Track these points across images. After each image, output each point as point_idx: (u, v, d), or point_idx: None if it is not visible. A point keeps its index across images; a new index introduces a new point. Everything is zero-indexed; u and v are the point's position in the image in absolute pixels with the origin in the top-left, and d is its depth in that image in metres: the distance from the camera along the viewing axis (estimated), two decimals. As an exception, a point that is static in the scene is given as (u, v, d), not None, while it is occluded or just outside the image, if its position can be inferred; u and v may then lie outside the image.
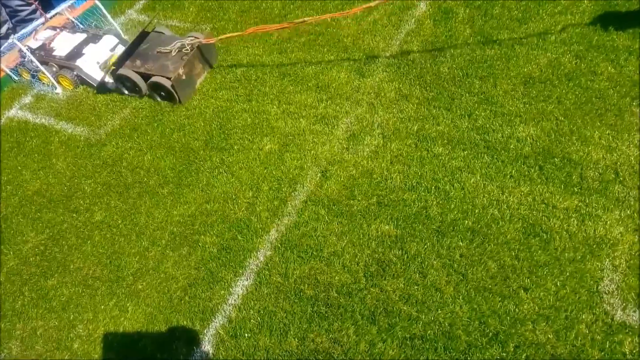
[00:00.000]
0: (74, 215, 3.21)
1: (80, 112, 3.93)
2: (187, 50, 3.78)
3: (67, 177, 3.45)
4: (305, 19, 3.57)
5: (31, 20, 4.49)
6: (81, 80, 4.10)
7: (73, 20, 4.49)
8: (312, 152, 3.27)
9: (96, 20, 4.50)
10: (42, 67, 3.98)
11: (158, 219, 3.08)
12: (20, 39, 4.06)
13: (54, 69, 4.08)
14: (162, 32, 4.05)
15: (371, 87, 3.62)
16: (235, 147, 3.40)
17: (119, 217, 3.14)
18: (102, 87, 4.02)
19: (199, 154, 3.41)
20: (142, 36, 3.95)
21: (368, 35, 4.04)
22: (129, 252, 2.95)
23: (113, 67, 3.85)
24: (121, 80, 3.85)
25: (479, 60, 3.61)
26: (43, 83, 4.14)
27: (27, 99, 4.18)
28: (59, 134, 3.77)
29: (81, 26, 4.49)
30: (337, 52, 3.95)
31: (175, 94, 3.69)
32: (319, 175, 3.13)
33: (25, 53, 3.99)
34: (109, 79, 3.98)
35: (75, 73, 4.03)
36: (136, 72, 3.76)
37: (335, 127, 3.40)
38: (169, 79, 3.61)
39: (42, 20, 4.30)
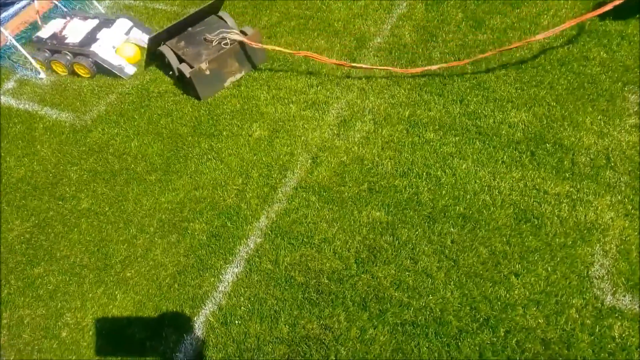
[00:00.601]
0: (60, 202, 3.15)
1: (65, 97, 3.85)
2: (227, 45, 3.55)
3: (52, 163, 3.38)
4: (362, 65, 3.46)
5: (12, 3, 4.37)
6: (98, 67, 3.92)
7: (57, 3, 4.37)
8: (303, 138, 3.23)
9: (80, 3, 4.39)
10: (24, 51, 3.87)
11: (146, 206, 3.04)
12: (3, 22, 3.95)
13: (68, 57, 3.94)
14: (223, 19, 3.83)
15: (362, 72, 3.57)
16: (224, 133, 3.35)
17: (106, 204, 3.09)
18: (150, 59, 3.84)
19: (187, 140, 3.36)
20: (201, 16, 3.72)
21: (359, 20, 3.98)
22: (117, 240, 2.91)
23: (156, 32, 3.62)
24: (161, 57, 3.64)
25: (471, 45, 3.57)
26: (27, 68, 4.04)
27: (10, 84, 4.08)
28: (43, 119, 3.69)
29: (65, 9, 4.37)
30: (328, 37, 3.89)
31: (194, 87, 3.49)
32: (309, 161, 3.10)
33: (8, 37, 3.89)
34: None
35: (91, 60, 3.87)
36: (174, 53, 3.55)
37: (326, 112, 3.35)
38: (191, 68, 3.43)
39: (25, 2, 4.18)
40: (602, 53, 3.34)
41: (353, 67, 3.51)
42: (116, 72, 3.87)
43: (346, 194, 2.89)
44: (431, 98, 3.29)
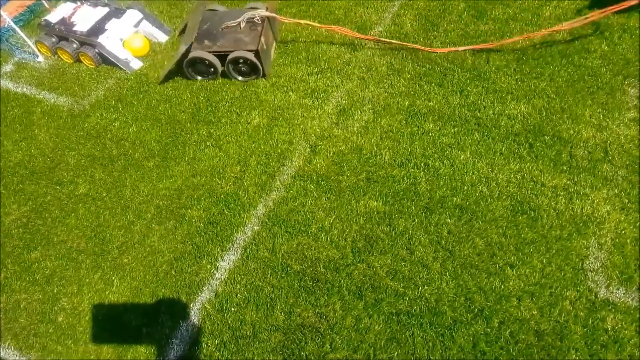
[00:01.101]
0: (58, 187, 3.14)
1: (63, 81, 3.82)
2: (257, 21, 3.54)
3: (50, 148, 3.37)
4: (391, 40, 3.47)
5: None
6: (103, 59, 3.86)
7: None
8: (302, 126, 3.22)
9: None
10: (22, 33, 3.83)
11: (144, 192, 3.04)
12: (2, 4, 3.90)
13: (75, 46, 3.87)
14: (215, 10, 3.82)
15: (362, 61, 3.55)
16: (223, 120, 3.34)
17: (103, 190, 3.09)
18: (168, 77, 3.72)
19: (186, 127, 3.35)
20: (196, 18, 3.72)
21: (360, 7, 3.95)
22: (114, 226, 2.91)
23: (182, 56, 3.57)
24: (192, 64, 3.58)
25: (473, 35, 3.55)
26: (25, 51, 4.01)
27: (8, 67, 4.05)
28: (41, 104, 3.67)
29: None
30: (329, 24, 3.85)
31: (259, 66, 3.47)
32: (307, 150, 3.09)
33: (6, 19, 3.85)
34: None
35: (96, 51, 3.81)
36: (210, 52, 3.50)
37: (325, 101, 3.34)
38: (251, 51, 3.40)
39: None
40: (603, 46, 3.32)
41: (381, 41, 3.52)
42: (121, 66, 3.82)
43: (344, 183, 2.89)
44: (431, 88, 3.28)
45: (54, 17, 4.01)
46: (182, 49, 3.53)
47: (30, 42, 3.89)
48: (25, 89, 3.81)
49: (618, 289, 2.34)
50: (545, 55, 3.34)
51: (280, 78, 3.53)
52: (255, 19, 3.56)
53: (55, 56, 3.96)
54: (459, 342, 2.26)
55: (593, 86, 3.12)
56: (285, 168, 3.02)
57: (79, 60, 3.94)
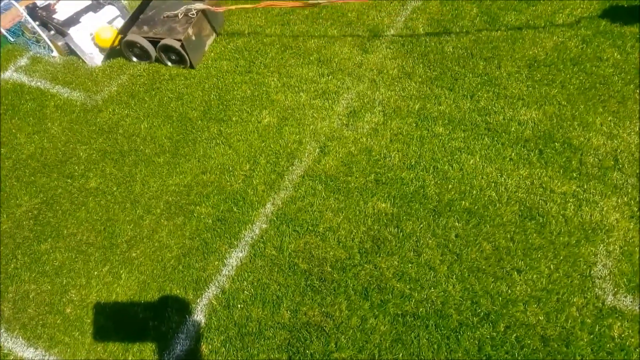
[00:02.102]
0: (69, 180, 3.18)
1: (77, 76, 3.86)
2: (194, 14, 3.73)
3: (62, 142, 3.40)
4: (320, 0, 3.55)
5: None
6: (70, 50, 3.98)
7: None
8: (312, 127, 3.23)
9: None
10: (38, 29, 3.89)
11: (153, 187, 3.06)
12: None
13: (51, 32, 3.99)
14: None
15: (374, 64, 3.57)
16: (234, 119, 3.36)
17: (114, 184, 3.11)
18: (110, 55, 3.95)
19: (197, 124, 3.37)
20: (145, 3, 3.89)
21: (373, 10, 3.96)
22: (124, 220, 2.93)
23: (120, 36, 3.78)
24: (129, 46, 3.79)
25: (485, 41, 3.56)
26: (40, 45, 4.06)
27: (23, 61, 4.10)
28: (54, 98, 3.71)
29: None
30: (341, 27, 3.88)
31: (186, 55, 3.64)
32: (317, 150, 3.11)
33: (23, 13, 3.89)
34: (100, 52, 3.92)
35: (65, 41, 3.93)
36: (145, 38, 3.70)
37: (336, 102, 3.36)
38: (179, 40, 3.57)
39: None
40: (615, 54, 3.32)
41: (309, 4, 3.76)
42: (85, 60, 3.94)
43: (353, 184, 2.90)
44: (442, 92, 3.29)
45: (40, 2, 4.10)
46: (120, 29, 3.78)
47: (45, 37, 3.93)
48: (39, 83, 3.86)
49: (625, 296, 2.33)
50: (557, 63, 3.34)
51: (292, 78, 3.55)
52: (191, 12, 3.74)
53: (35, 37, 4.05)
54: (464, 345, 2.26)
55: (604, 94, 3.12)
56: (294, 167, 3.04)
57: (51, 48, 4.04)
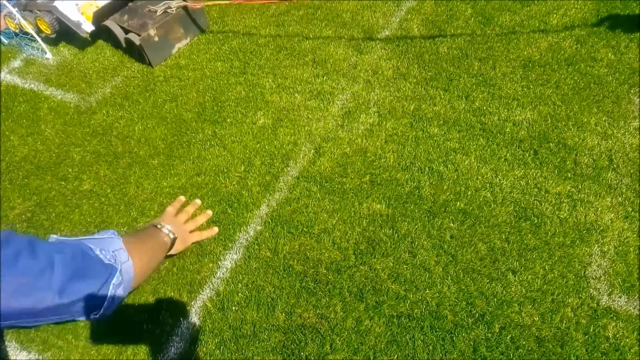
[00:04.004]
0: (62, 183, 3.16)
1: (71, 78, 3.85)
2: (172, 11, 3.74)
3: (56, 144, 3.39)
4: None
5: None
6: (60, 24, 3.92)
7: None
8: (306, 128, 3.23)
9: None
10: (20, 18, 3.86)
11: (148, 189, 3.05)
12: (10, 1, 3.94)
13: (35, 15, 3.95)
14: None
15: (369, 64, 3.56)
16: (228, 120, 3.35)
17: (107, 186, 3.10)
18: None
19: (191, 126, 3.36)
20: None
21: (367, 11, 3.96)
22: (118, 222, 2.92)
23: (99, 16, 3.82)
24: (106, 31, 3.87)
25: (479, 42, 3.56)
26: (33, 47, 4.04)
27: (16, 63, 4.08)
28: (48, 100, 3.69)
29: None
30: (336, 27, 3.88)
31: (144, 54, 3.67)
32: (312, 151, 3.10)
33: (6, 5, 3.87)
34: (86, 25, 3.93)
35: (53, 16, 3.89)
36: (120, 26, 3.75)
37: (331, 103, 3.35)
38: (139, 35, 3.60)
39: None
40: (610, 54, 3.33)
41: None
42: (74, 28, 3.90)
43: (347, 185, 2.89)
44: (437, 93, 3.29)
45: None
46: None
47: (39, 39, 3.91)
48: (32, 85, 3.84)
49: (620, 297, 2.33)
50: (552, 63, 3.35)
51: (286, 79, 3.54)
52: (169, 10, 3.76)
53: (19, 27, 4.03)
54: (459, 346, 2.26)
55: (599, 94, 3.12)
56: (289, 169, 3.03)
57: (38, 29, 4.01)
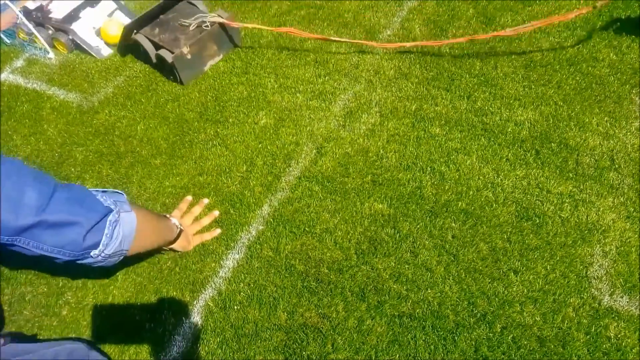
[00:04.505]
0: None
1: (73, 78, 3.86)
2: (207, 27, 3.55)
3: (59, 143, 3.39)
4: (340, 39, 3.55)
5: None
6: (75, 45, 4.00)
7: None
8: (308, 128, 3.23)
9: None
10: (34, 30, 3.89)
11: (150, 189, 3.06)
12: (13, 0, 3.95)
13: (50, 32, 3.99)
14: (193, 4, 3.83)
15: (370, 64, 3.57)
16: (230, 120, 3.36)
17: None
18: (121, 49, 3.90)
19: (193, 126, 3.37)
20: (169, 3, 3.75)
21: (369, 11, 3.97)
22: (120, 222, 2.93)
23: (129, 30, 3.65)
24: (135, 46, 3.68)
25: (481, 41, 3.56)
26: (36, 47, 4.05)
27: (19, 63, 4.09)
28: (50, 99, 3.70)
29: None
30: (337, 27, 3.88)
31: (175, 72, 3.52)
32: (314, 151, 3.10)
33: (18, 15, 3.89)
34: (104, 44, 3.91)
35: (70, 37, 3.93)
36: (150, 40, 3.57)
37: (333, 103, 3.36)
38: (172, 53, 3.42)
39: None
40: (611, 55, 3.33)
41: (331, 40, 3.59)
42: (93, 53, 3.93)
43: (349, 185, 2.90)
44: (438, 93, 3.29)
45: (32, 4, 4.11)
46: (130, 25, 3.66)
47: (41, 38, 3.92)
48: (35, 85, 3.85)
49: (622, 297, 2.33)
50: (554, 63, 3.35)
51: (288, 79, 3.55)
52: (204, 26, 3.56)
53: (31, 40, 4.05)
54: (460, 346, 2.26)
55: (600, 94, 3.13)
56: (291, 169, 3.04)
57: (51, 46, 4.04)
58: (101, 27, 3.96)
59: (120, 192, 2.12)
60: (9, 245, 1.61)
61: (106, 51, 3.99)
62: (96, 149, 3.33)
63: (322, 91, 3.43)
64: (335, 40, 3.59)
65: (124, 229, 1.91)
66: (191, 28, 3.57)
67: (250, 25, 3.68)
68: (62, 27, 3.93)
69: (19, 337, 1.95)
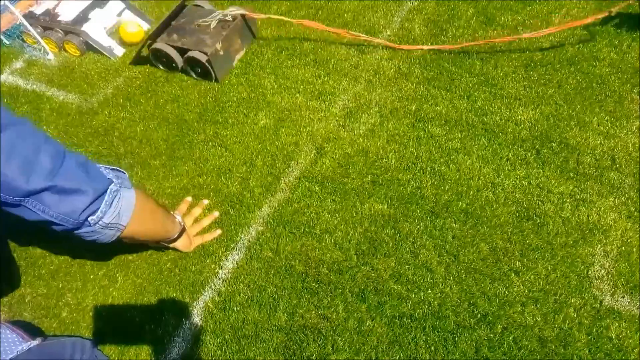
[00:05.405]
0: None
1: (73, 79, 3.85)
2: (229, 21, 3.55)
3: (58, 145, 3.39)
4: (361, 35, 3.57)
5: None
6: (87, 47, 3.98)
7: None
8: (308, 128, 3.23)
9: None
10: (37, 35, 3.88)
11: (149, 190, 3.05)
12: (12, 1, 3.95)
13: (60, 35, 3.98)
14: (200, 6, 3.85)
15: (370, 65, 3.56)
16: (230, 121, 3.35)
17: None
18: (137, 60, 3.85)
19: (193, 126, 3.36)
20: (179, 9, 3.75)
21: (369, 11, 3.96)
22: (120, 223, 2.92)
23: (149, 42, 3.65)
24: (156, 54, 3.65)
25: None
26: (34, 48, 4.05)
27: (19, 64, 4.09)
28: (50, 100, 3.70)
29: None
30: (337, 27, 3.86)
31: (211, 70, 3.49)
32: (313, 152, 3.10)
33: (18, 16, 3.89)
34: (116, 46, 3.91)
35: (81, 39, 3.92)
36: (172, 47, 3.55)
37: (332, 104, 3.35)
38: (205, 54, 3.40)
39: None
40: (612, 54, 3.32)
41: (351, 34, 3.58)
42: (106, 53, 3.92)
43: (349, 185, 2.89)
44: (438, 93, 3.28)
45: (38, 9, 4.11)
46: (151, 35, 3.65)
47: (40, 39, 3.92)
48: (34, 86, 3.85)
49: (623, 297, 2.32)
50: (554, 62, 3.34)
51: (288, 80, 3.54)
52: (227, 19, 3.58)
53: (40, 45, 4.03)
54: (461, 346, 2.26)
55: (601, 94, 3.12)
56: (290, 169, 3.03)
57: (63, 49, 4.04)
58: (120, 26, 3.96)
59: (122, 170, 2.15)
60: (15, 206, 1.60)
61: (119, 51, 3.98)
62: (95, 150, 3.32)
63: (322, 91, 3.43)
64: (353, 36, 3.59)
65: (123, 203, 1.94)
66: (212, 26, 3.56)
67: (272, 16, 3.69)
68: (73, 29, 3.91)
69: (30, 330, 1.95)
